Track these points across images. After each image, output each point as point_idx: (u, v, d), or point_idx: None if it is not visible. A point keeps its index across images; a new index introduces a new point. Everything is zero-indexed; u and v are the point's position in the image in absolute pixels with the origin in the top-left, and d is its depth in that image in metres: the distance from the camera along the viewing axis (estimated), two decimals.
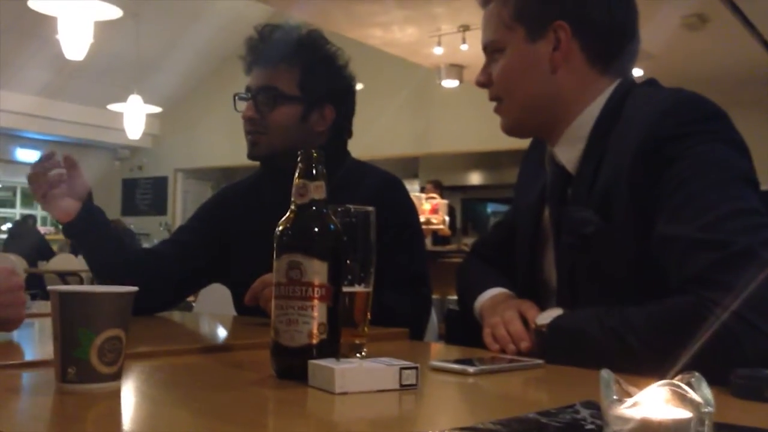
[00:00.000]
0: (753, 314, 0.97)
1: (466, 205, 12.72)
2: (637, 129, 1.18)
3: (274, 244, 0.95)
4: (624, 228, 1.17)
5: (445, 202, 7.72)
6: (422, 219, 5.76)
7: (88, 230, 1.69)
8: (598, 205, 1.21)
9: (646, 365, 0.79)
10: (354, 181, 1.73)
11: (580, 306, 1.21)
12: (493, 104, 1.37)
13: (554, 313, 1.19)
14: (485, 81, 1.36)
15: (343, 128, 1.83)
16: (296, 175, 0.97)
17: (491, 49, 1.35)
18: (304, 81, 1.74)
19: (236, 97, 1.83)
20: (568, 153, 1.30)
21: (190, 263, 1.82)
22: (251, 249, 1.58)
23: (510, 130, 1.37)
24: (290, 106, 1.73)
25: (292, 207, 0.96)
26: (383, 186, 1.78)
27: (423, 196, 7.40)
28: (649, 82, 1.32)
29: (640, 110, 1.21)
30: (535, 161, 1.46)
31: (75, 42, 6.50)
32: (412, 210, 1.86)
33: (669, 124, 1.15)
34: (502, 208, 12.66)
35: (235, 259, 1.82)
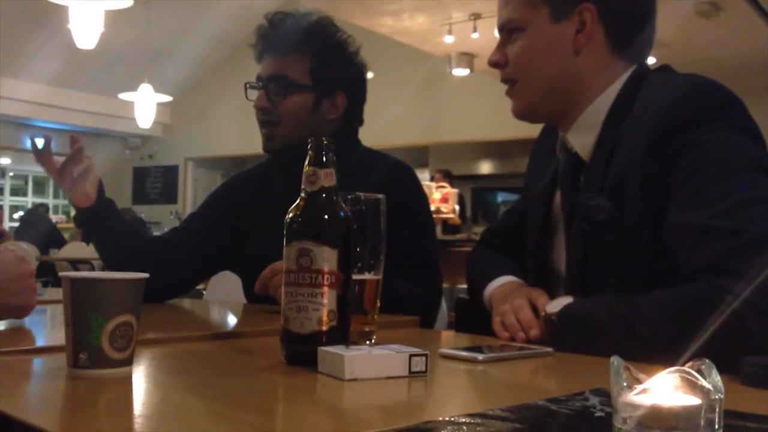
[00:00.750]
0: (764, 302, 0.96)
1: (477, 194, 12.70)
2: (650, 116, 1.17)
3: (284, 231, 0.96)
4: (636, 216, 1.17)
5: (455, 191, 7.71)
6: (432, 208, 5.75)
7: (106, 216, 1.70)
8: (610, 193, 1.20)
9: (656, 352, 0.79)
10: (365, 168, 1.73)
11: (591, 294, 1.21)
12: (505, 92, 1.36)
13: (564, 301, 1.19)
14: (500, 60, 1.34)
15: (354, 116, 1.83)
16: (306, 162, 0.97)
17: (509, 28, 1.32)
18: (315, 69, 1.73)
19: (247, 87, 1.82)
20: (582, 139, 1.30)
21: (201, 250, 1.83)
22: (261, 237, 1.58)
23: (522, 113, 1.35)
24: (302, 95, 1.73)
25: (302, 194, 0.96)
26: (395, 172, 1.78)
27: (433, 185, 7.39)
28: (664, 69, 1.31)
29: (655, 97, 1.20)
30: (545, 148, 1.45)
31: (86, 31, 6.51)
32: (423, 197, 1.86)
33: (682, 111, 1.14)
34: (513, 197, 12.62)
35: (246, 246, 1.83)
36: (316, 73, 1.73)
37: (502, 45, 1.34)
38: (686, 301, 1.03)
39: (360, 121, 1.86)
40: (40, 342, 1.20)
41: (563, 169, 1.35)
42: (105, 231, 1.72)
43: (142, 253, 1.75)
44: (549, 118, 1.39)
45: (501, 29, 1.34)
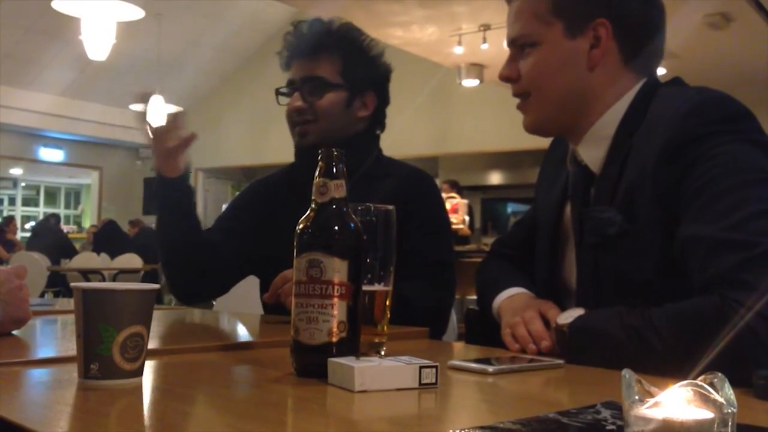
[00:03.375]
0: None
1: (486, 204, 12.69)
2: (661, 129, 1.17)
3: (295, 242, 0.96)
4: (648, 229, 1.17)
5: (465, 201, 7.71)
6: None
7: (184, 194, 1.73)
8: (621, 206, 1.20)
9: (668, 365, 0.79)
10: (384, 172, 1.79)
11: (602, 307, 1.20)
12: (515, 102, 1.35)
13: (575, 313, 1.18)
14: (513, 75, 1.33)
15: (379, 119, 1.88)
16: (317, 173, 0.97)
17: (521, 43, 1.31)
18: (345, 69, 1.79)
19: (278, 92, 1.85)
20: (592, 152, 1.29)
21: (238, 247, 1.83)
22: (282, 243, 1.59)
23: (535, 128, 1.35)
24: (335, 93, 1.78)
25: (313, 205, 0.97)
26: (415, 177, 1.83)
27: (443, 196, 7.38)
28: (675, 81, 1.31)
29: (665, 110, 1.20)
30: (555, 159, 1.45)
31: (98, 42, 6.57)
32: (441, 204, 1.90)
33: (693, 124, 1.14)
34: (522, 208, 12.60)
35: (269, 249, 1.83)
36: (347, 73, 1.79)
37: (514, 59, 1.33)
38: (698, 314, 1.03)
39: (382, 127, 1.90)
40: (52, 353, 1.20)
41: (573, 182, 1.34)
42: (175, 207, 1.73)
43: (197, 246, 1.75)
44: (560, 131, 1.39)
45: (512, 43, 1.34)
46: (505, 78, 1.34)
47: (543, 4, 1.28)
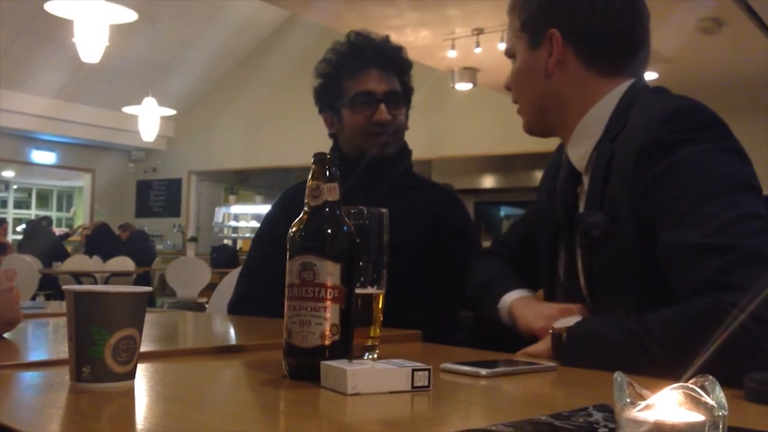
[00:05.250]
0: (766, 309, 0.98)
1: (480, 208, 12.70)
2: (637, 136, 1.21)
3: (287, 246, 0.96)
4: (627, 232, 1.20)
5: None
6: None
7: None
8: (607, 210, 1.24)
9: (666, 369, 0.79)
10: (415, 184, 1.97)
11: (596, 306, 1.23)
12: (508, 106, 1.47)
13: (574, 318, 1.21)
14: (506, 84, 1.47)
15: None
16: (309, 176, 0.97)
17: (508, 55, 1.45)
18: (403, 86, 1.93)
19: (355, 100, 1.86)
20: (576, 151, 1.35)
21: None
22: None
23: (527, 129, 1.45)
24: (405, 108, 1.93)
25: (306, 208, 0.97)
26: (451, 201, 1.99)
27: None
28: (657, 90, 1.34)
29: (641, 118, 1.24)
30: (556, 162, 1.48)
31: (90, 45, 6.55)
32: (473, 223, 2.10)
33: (665, 131, 1.18)
34: (516, 211, 12.63)
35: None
36: (405, 90, 1.93)
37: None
38: (693, 317, 1.05)
39: None
40: (44, 355, 1.20)
41: (561, 179, 1.40)
42: None
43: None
44: (549, 133, 1.44)
45: (507, 57, 1.47)
46: (506, 87, 1.48)
47: (516, 21, 1.41)
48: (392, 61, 1.91)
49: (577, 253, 1.33)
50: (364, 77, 1.86)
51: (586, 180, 1.33)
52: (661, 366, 0.98)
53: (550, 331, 1.21)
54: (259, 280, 1.88)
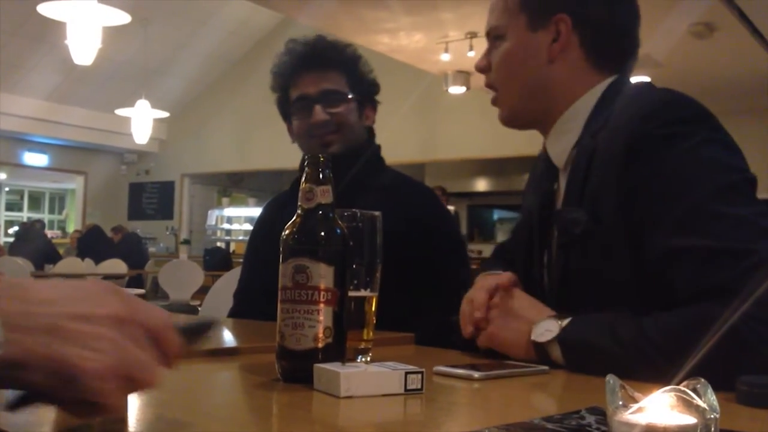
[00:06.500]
0: None
1: (472, 211, 12.72)
2: (623, 131, 1.17)
3: (281, 249, 0.96)
4: (612, 230, 1.16)
5: (451, 208, 7.72)
6: None
7: None
8: (589, 207, 1.20)
9: (668, 376, 0.78)
10: (395, 187, 1.89)
11: (571, 307, 1.17)
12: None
13: (547, 325, 1.14)
14: (484, 66, 1.39)
15: (373, 130, 1.99)
16: (303, 179, 0.97)
17: (493, 35, 1.37)
18: (351, 82, 1.88)
19: (291, 108, 1.89)
20: (555, 146, 1.32)
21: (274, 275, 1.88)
22: None
23: (506, 119, 1.39)
24: (349, 104, 1.87)
25: (299, 211, 0.97)
26: (427, 200, 1.94)
27: None
28: (641, 84, 1.32)
29: (626, 112, 1.20)
30: (542, 162, 1.46)
31: (83, 47, 6.53)
32: (453, 219, 2.01)
33: (653, 126, 1.14)
34: (508, 214, 12.65)
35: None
36: (353, 86, 1.88)
37: (488, 51, 1.39)
38: (697, 324, 0.99)
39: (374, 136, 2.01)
40: None
41: (538, 175, 1.38)
42: None
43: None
44: (531, 124, 1.40)
45: (487, 35, 1.39)
46: (479, 69, 1.40)
47: None
48: (327, 59, 1.87)
49: (552, 251, 1.30)
50: (300, 82, 1.87)
51: (563, 177, 1.30)
52: (662, 374, 0.96)
53: (531, 340, 1.15)
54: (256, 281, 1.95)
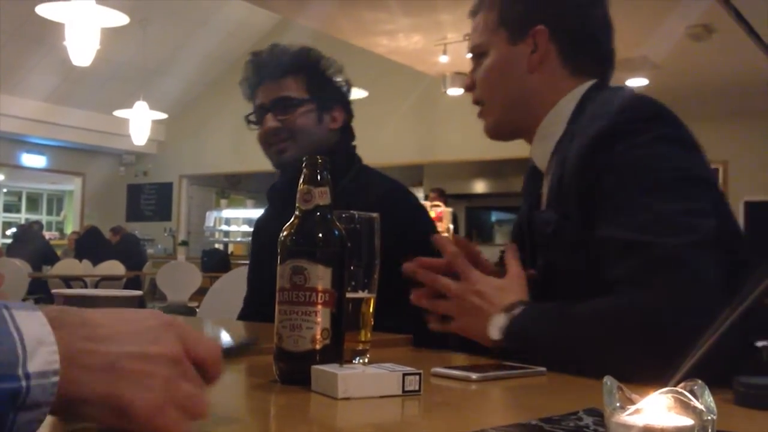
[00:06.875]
0: (680, 312, 0.99)
1: (471, 213, 12.74)
2: (585, 131, 1.21)
3: (278, 250, 0.96)
4: (576, 228, 1.19)
5: (449, 210, 7.73)
6: None
7: None
8: (558, 206, 1.24)
9: (589, 366, 0.84)
10: (366, 184, 1.84)
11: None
12: None
13: (498, 322, 1.17)
14: (469, 84, 1.44)
15: (350, 132, 1.94)
16: (301, 180, 0.97)
17: (476, 53, 1.42)
18: (311, 86, 1.85)
19: (248, 120, 1.91)
20: (538, 150, 1.36)
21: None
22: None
23: (492, 132, 1.43)
24: (305, 108, 1.84)
25: (297, 212, 0.97)
26: (393, 196, 1.86)
27: (428, 204, 7.41)
28: (613, 87, 1.35)
29: (592, 113, 1.25)
30: (530, 167, 1.49)
31: (82, 48, 6.52)
32: (427, 214, 1.98)
33: (609, 124, 1.18)
34: (507, 216, 12.67)
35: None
36: (313, 90, 1.85)
37: (473, 70, 1.43)
38: (608, 317, 1.05)
39: (353, 136, 1.96)
40: None
41: (525, 180, 1.42)
42: None
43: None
44: (515, 134, 1.43)
45: (471, 55, 1.44)
46: (465, 87, 1.46)
47: (492, 16, 1.39)
48: (281, 67, 1.86)
49: (535, 254, 1.33)
50: (259, 92, 1.89)
51: (546, 181, 1.33)
52: (586, 364, 1.00)
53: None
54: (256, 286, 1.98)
